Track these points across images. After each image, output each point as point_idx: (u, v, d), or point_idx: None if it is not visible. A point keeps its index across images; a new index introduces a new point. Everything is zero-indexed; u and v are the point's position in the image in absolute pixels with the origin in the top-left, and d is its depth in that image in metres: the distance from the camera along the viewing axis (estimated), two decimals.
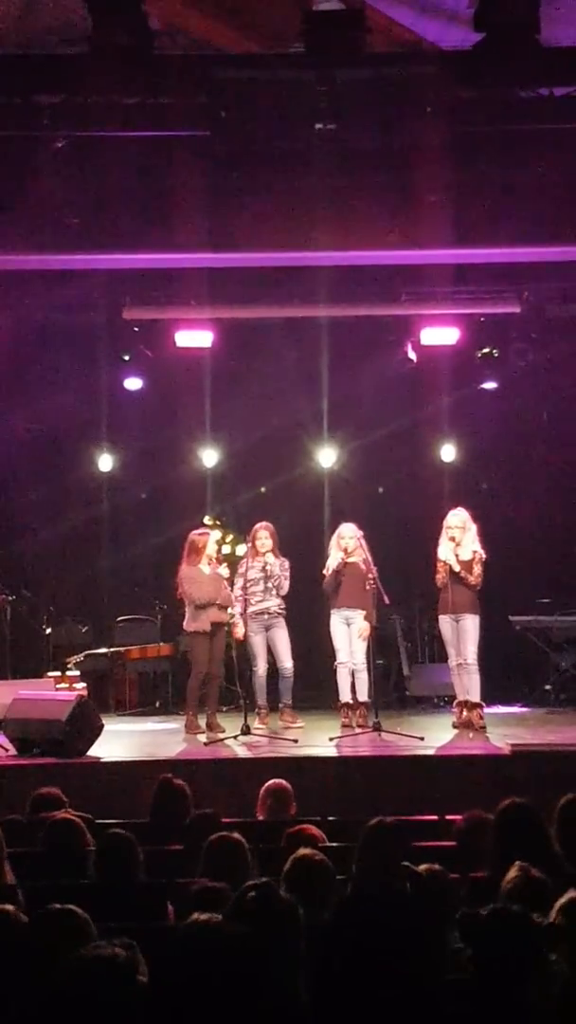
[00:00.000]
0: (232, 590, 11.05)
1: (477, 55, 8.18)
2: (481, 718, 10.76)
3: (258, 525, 11.31)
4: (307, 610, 11.67)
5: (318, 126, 8.95)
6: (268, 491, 13.71)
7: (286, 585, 11.17)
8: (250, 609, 11.08)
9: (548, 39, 8.12)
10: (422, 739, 9.98)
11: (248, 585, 11.07)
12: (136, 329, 12.91)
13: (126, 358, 13.28)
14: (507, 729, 10.64)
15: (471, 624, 10.86)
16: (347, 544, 11.03)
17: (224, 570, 11.10)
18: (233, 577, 11.17)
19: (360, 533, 11.13)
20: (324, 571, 11.18)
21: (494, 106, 9.07)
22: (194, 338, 12.68)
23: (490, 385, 13.67)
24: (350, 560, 10.99)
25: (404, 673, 13.34)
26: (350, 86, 8.56)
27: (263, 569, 11.11)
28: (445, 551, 10.87)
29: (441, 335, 12.71)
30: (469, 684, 10.83)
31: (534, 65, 8.29)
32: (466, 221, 9.83)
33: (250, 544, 11.27)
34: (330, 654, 11.27)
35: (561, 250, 10.49)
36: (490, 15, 7.94)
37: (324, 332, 13.11)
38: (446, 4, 8.59)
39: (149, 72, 8.30)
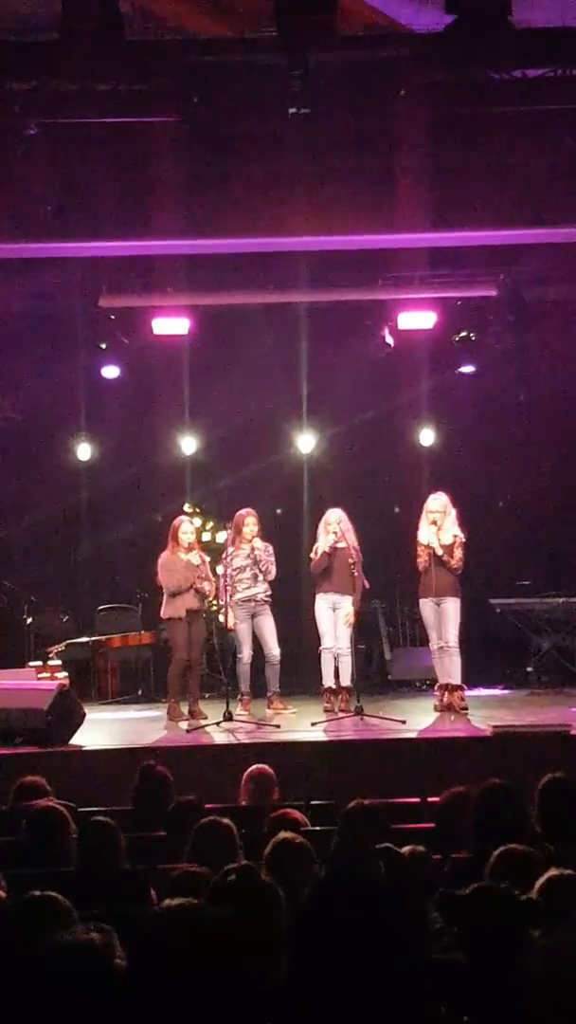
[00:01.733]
0: (217, 578, 11.03)
1: (449, 37, 8.14)
2: (463, 700, 10.81)
3: (244, 511, 11.29)
4: (288, 596, 11.67)
5: (292, 110, 8.92)
6: (248, 477, 13.70)
7: (274, 570, 11.17)
8: (236, 596, 11.07)
9: (520, 21, 8.10)
10: (404, 722, 10.01)
11: (234, 573, 11.07)
12: (113, 317, 12.87)
13: (103, 346, 13.24)
14: (489, 711, 10.69)
15: (452, 607, 10.89)
16: (335, 529, 11.04)
17: (195, 557, 11.05)
18: (215, 565, 11.16)
19: (345, 518, 11.15)
20: (312, 554, 11.18)
21: (467, 89, 9.05)
22: (171, 325, 12.66)
23: (467, 369, 13.69)
24: (339, 545, 10.99)
25: (386, 657, 13.38)
26: (323, 70, 8.54)
27: (250, 555, 11.11)
28: (426, 535, 10.90)
29: (418, 319, 12.73)
30: (450, 667, 10.86)
31: (506, 47, 8.26)
32: (442, 204, 9.82)
33: (234, 531, 11.23)
34: (311, 639, 11.29)
35: (537, 232, 10.50)
36: None
37: (302, 318, 13.10)
38: None
39: (121, 57, 8.25)
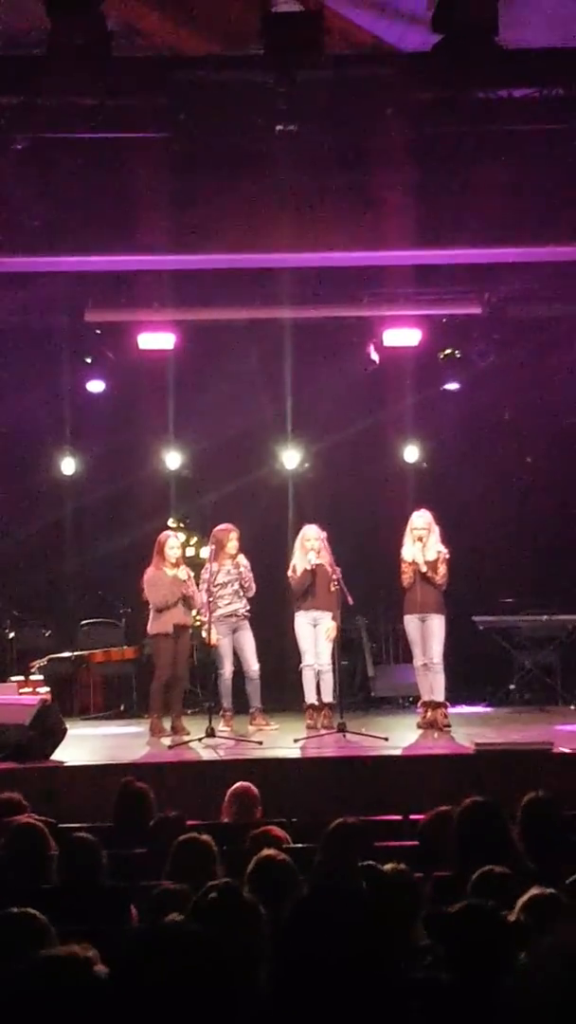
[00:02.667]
0: (208, 593, 11.03)
1: (436, 57, 8.19)
2: (446, 717, 10.81)
3: (225, 527, 11.27)
4: (271, 612, 11.66)
5: (279, 127, 8.94)
6: (232, 493, 13.69)
7: (252, 586, 11.18)
8: (217, 612, 11.05)
9: (506, 41, 8.15)
10: (387, 739, 10.00)
11: (215, 589, 11.05)
12: (98, 332, 12.87)
13: (88, 361, 13.23)
14: (471, 728, 10.69)
15: (437, 624, 10.91)
16: (312, 545, 11.04)
17: (183, 572, 11.05)
18: (198, 580, 11.15)
19: (323, 534, 11.14)
20: (290, 572, 11.17)
21: (454, 108, 9.08)
22: (157, 340, 12.66)
23: (452, 386, 13.72)
24: (318, 562, 10.99)
25: (369, 674, 13.36)
26: (310, 87, 8.55)
27: (233, 572, 11.10)
28: (411, 552, 10.91)
29: (403, 336, 12.76)
30: (434, 683, 10.87)
31: (492, 67, 8.31)
32: (427, 222, 9.86)
33: (216, 548, 11.21)
34: (293, 656, 11.27)
35: (521, 251, 10.54)
36: (449, 17, 7.94)
37: (287, 334, 13.10)
38: (404, 6, 8.61)
39: (108, 73, 8.27)
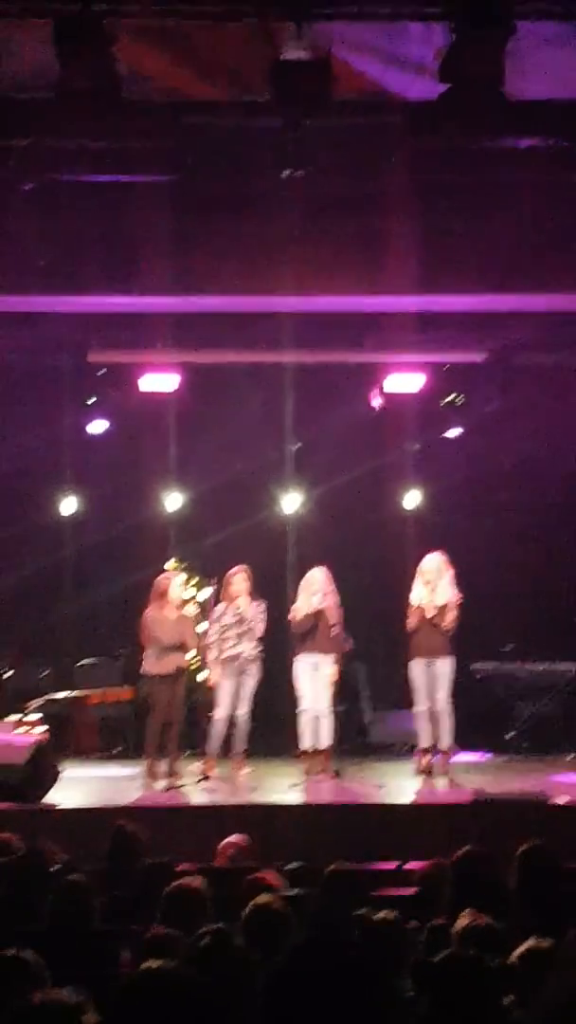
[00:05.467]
0: (206, 635, 10.99)
1: (443, 106, 8.26)
2: (446, 764, 10.74)
3: (235, 569, 11.27)
4: (270, 655, 11.60)
5: (285, 173, 9.00)
6: (232, 535, 13.68)
7: (261, 628, 11.11)
8: (224, 654, 11.01)
9: (513, 92, 8.22)
10: (382, 787, 9.94)
11: (222, 630, 11.03)
12: (102, 372, 12.90)
13: (91, 401, 13.25)
14: (469, 777, 10.63)
15: (445, 667, 10.87)
16: (318, 589, 11.01)
17: (192, 607, 11.06)
18: (202, 619, 11.14)
19: (329, 578, 11.13)
20: (292, 616, 11.14)
21: (459, 156, 9.15)
22: (160, 382, 12.70)
23: (454, 432, 13.74)
24: (320, 606, 10.97)
25: (365, 720, 13.29)
26: (317, 134, 8.62)
27: (236, 614, 11.07)
28: (418, 595, 10.89)
29: (406, 382, 12.81)
30: (441, 729, 10.80)
31: (499, 117, 8.37)
32: (431, 269, 9.91)
33: (224, 588, 11.21)
34: (290, 699, 11.22)
35: (524, 299, 10.59)
36: (456, 67, 8.00)
37: (289, 377, 13.15)
38: (412, 55, 8.68)
39: (117, 117, 8.32)
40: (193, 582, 13.13)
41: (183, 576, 11.85)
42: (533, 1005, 2.86)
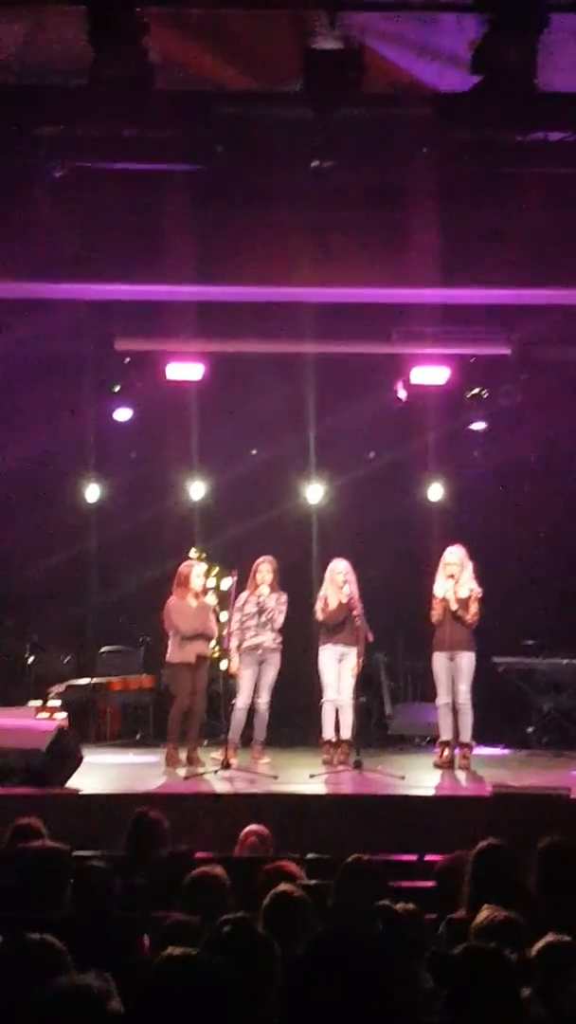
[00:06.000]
0: (228, 624, 11.03)
1: (474, 98, 8.22)
2: (466, 759, 10.73)
3: (259, 559, 11.29)
4: (293, 646, 11.62)
5: (314, 163, 8.99)
6: (255, 525, 13.70)
7: (280, 619, 11.14)
8: (245, 643, 11.05)
9: (545, 84, 8.18)
10: (403, 778, 9.95)
11: (244, 619, 11.06)
12: (127, 360, 12.91)
13: (116, 389, 13.27)
14: (488, 771, 10.62)
15: (467, 661, 10.87)
16: (347, 579, 11.04)
17: (211, 598, 11.08)
18: (225, 609, 11.17)
19: (351, 569, 11.16)
20: (320, 606, 11.15)
21: (489, 149, 9.11)
22: (185, 371, 12.69)
23: (479, 425, 13.71)
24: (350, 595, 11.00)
25: (386, 711, 13.30)
26: (347, 124, 8.60)
27: (258, 603, 11.10)
28: (443, 588, 10.88)
29: (431, 374, 12.75)
30: (462, 723, 10.80)
31: (530, 109, 8.34)
32: (458, 261, 9.87)
33: (250, 578, 11.25)
34: (311, 690, 11.23)
35: (551, 293, 10.55)
36: (488, 59, 7.96)
37: (313, 368, 13.14)
38: (444, 47, 8.66)
39: (147, 105, 8.32)
40: (214, 572, 13.16)
41: (204, 565, 11.87)
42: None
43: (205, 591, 11.18)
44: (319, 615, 11.23)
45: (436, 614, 10.89)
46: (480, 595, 10.91)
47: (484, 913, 4.44)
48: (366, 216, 9.80)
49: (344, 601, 10.99)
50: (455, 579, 10.89)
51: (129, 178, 9.55)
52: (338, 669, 11.08)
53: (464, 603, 10.83)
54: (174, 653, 11.06)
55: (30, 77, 9.03)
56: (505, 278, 10.06)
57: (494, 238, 9.79)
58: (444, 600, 10.85)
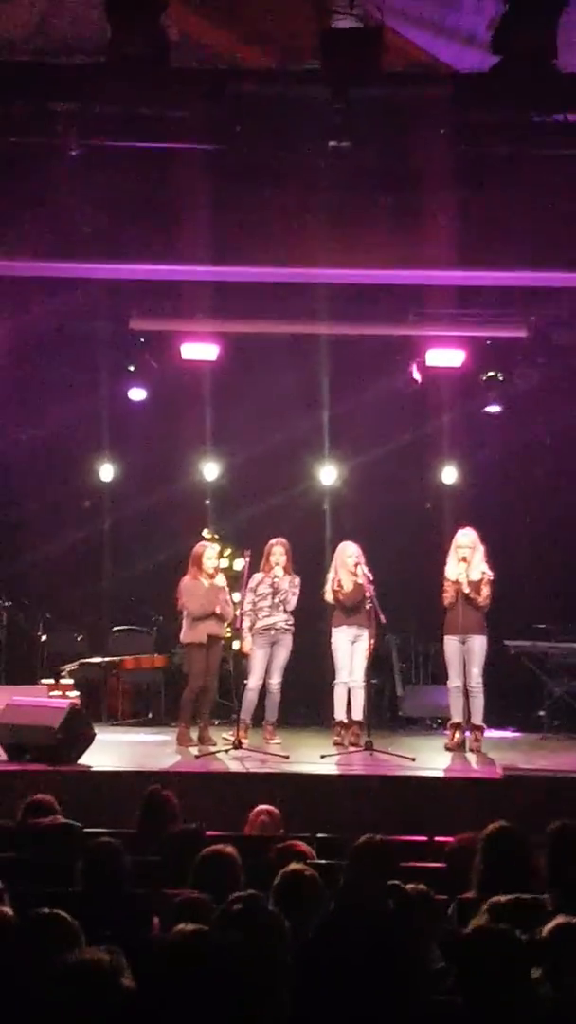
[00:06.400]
0: (241, 604, 11.04)
1: (493, 78, 8.19)
2: (478, 741, 10.74)
3: (273, 540, 11.31)
4: (305, 627, 11.63)
5: (332, 143, 8.96)
6: (268, 506, 13.70)
7: (293, 601, 11.16)
8: (258, 624, 11.08)
9: (564, 65, 8.14)
10: (414, 759, 9.96)
11: (257, 600, 11.08)
12: (142, 340, 12.90)
13: (131, 368, 13.26)
14: (500, 753, 10.63)
15: (479, 645, 10.86)
16: (357, 561, 11.04)
17: (220, 579, 11.08)
18: (237, 590, 11.18)
19: (360, 551, 11.16)
20: (334, 588, 11.15)
21: (507, 129, 9.07)
22: (200, 351, 12.68)
23: (494, 408, 13.67)
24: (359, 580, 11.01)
25: (398, 693, 13.32)
26: (364, 104, 8.56)
27: (271, 584, 11.12)
28: (455, 571, 10.86)
29: (447, 357, 12.71)
30: (474, 706, 10.81)
31: (549, 90, 8.30)
32: (473, 243, 9.84)
33: (263, 559, 11.26)
34: (324, 671, 11.24)
35: (567, 276, 10.50)
36: (507, 39, 7.94)
37: (329, 349, 13.11)
38: (463, 27, 8.61)
39: (164, 84, 8.31)
40: (227, 553, 13.17)
41: (217, 546, 11.88)
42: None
43: (217, 572, 11.18)
44: (328, 596, 11.23)
45: (448, 597, 10.88)
46: (492, 578, 10.90)
47: (495, 895, 4.45)
48: (383, 197, 9.76)
49: (360, 583, 10.99)
50: (467, 562, 10.86)
51: (145, 157, 9.52)
52: (351, 651, 11.10)
53: (476, 586, 10.82)
54: (186, 633, 11.10)
55: (47, 55, 9.00)
56: (522, 260, 10.02)
57: (511, 220, 9.75)
58: (456, 583, 10.83)
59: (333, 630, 11.20)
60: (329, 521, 13.96)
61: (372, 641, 11.04)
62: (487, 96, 8.44)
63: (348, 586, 11.12)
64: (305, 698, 12.22)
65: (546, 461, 14.26)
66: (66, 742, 9.51)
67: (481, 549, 10.99)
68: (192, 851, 5.27)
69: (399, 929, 2.94)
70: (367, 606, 10.80)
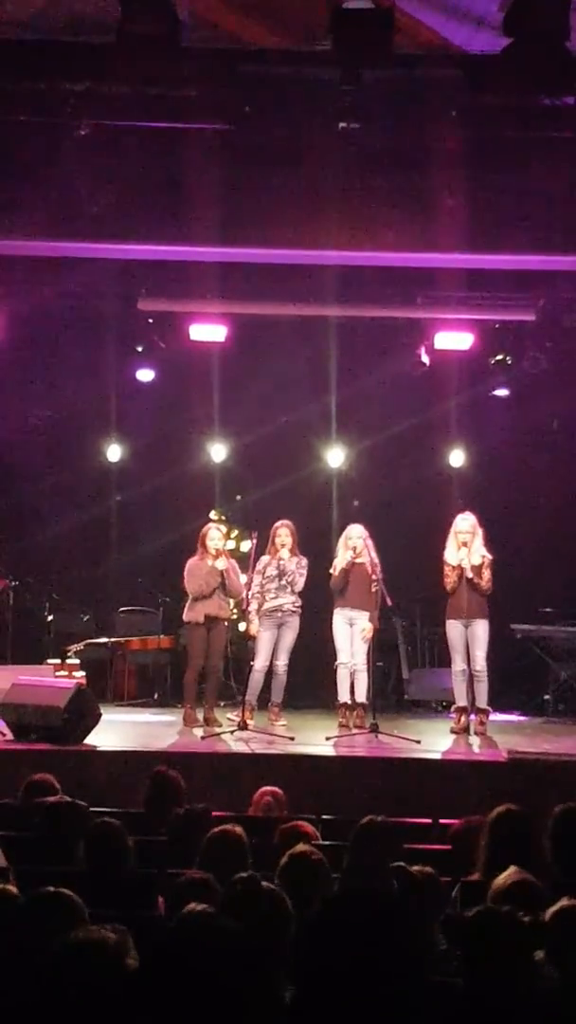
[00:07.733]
0: (248, 586, 11.05)
1: (504, 60, 8.14)
2: (483, 724, 10.76)
3: (277, 523, 11.32)
4: (312, 610, 11.65)
5: (342, 125, 8.93)
6: (275, 488, 13.69)
7: (300, 583, 11.18)
8: (265, 606, 11.10)
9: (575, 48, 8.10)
10: (419, 742, 9.98)
11: (264, 582, 11.10)
12: (150, 321, 12.88)
13: (139, 349, 13.25)
14: (504, 737, 10.64)
15: (482, 629, 10.86)
16: (355, 544, 11.04)
17: (222, 562, 11.05)
18: (244, 571, 11.19)
19: (367, 534, 11.15)
20: (332, 571, 11.19)
21: (517, 112, 9.03)
22: (208, 332, 12.66)
23: (502, 392, 13.65)
24: (357, 561, 11.00)
25: (403, 676, 13.33)
26: (375, 86, 8.53)
27: (278, 566, 11.13)
28: (456, 555, 10.86)
29: (455, 340, 12.68)
30: (478, 690, 10.82)
31: (561, 72, 8.25)
32: (483, 226, 9.82)
33: (269, 541, 11.27)
34: (330, 653, 11.26)
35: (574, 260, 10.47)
36: (519, 21, 7.89)
37: (337, 332, 13.08)
38: (475, 8, 8.55)
39: (175, 63, 8.27)
40: (233, 534, 13.19)
41: (223, 527, 11.88)
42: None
43: (220, 553, 11.17)
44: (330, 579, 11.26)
45: (450, 581, 10.88)
46: (491, 561, 10.89)
47: (502, 876, 4.47)
48: (393, 179, 9.73)
49: (345, 567, 10.99)
50: (468, 546, 10.86)
51: (155, 137, 9.49)
52: (349, 633, 11.11)
53: (478, 570, 10.81)
54: (186, 613, 11.16)
55: (57, 34, 8.96)
56: (532, 243, 9.99)
57: (522, 203, 9.72)
58: (459, 567, 10.83)
59: (333, 613, 11.23)
60: (336, 503, 13.96)
61: (373, 623, 11.02)
62: (498, 78, 8.39)
63: (338, 568, 11.11)
64: (311, 680, 12.23)
65: (554, 445, 14.24)
66: (72, 722, 9.54)
67: (480, 533, 10.98)
68: (199, 831, 5.29)
69: (403, 911, 2.94)
70: (373, 588, 10.79)
